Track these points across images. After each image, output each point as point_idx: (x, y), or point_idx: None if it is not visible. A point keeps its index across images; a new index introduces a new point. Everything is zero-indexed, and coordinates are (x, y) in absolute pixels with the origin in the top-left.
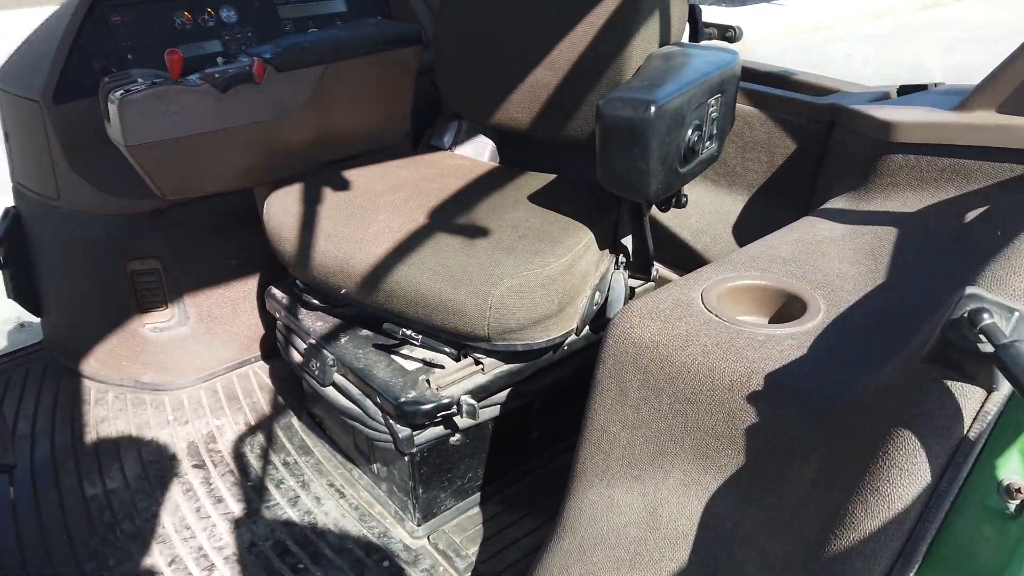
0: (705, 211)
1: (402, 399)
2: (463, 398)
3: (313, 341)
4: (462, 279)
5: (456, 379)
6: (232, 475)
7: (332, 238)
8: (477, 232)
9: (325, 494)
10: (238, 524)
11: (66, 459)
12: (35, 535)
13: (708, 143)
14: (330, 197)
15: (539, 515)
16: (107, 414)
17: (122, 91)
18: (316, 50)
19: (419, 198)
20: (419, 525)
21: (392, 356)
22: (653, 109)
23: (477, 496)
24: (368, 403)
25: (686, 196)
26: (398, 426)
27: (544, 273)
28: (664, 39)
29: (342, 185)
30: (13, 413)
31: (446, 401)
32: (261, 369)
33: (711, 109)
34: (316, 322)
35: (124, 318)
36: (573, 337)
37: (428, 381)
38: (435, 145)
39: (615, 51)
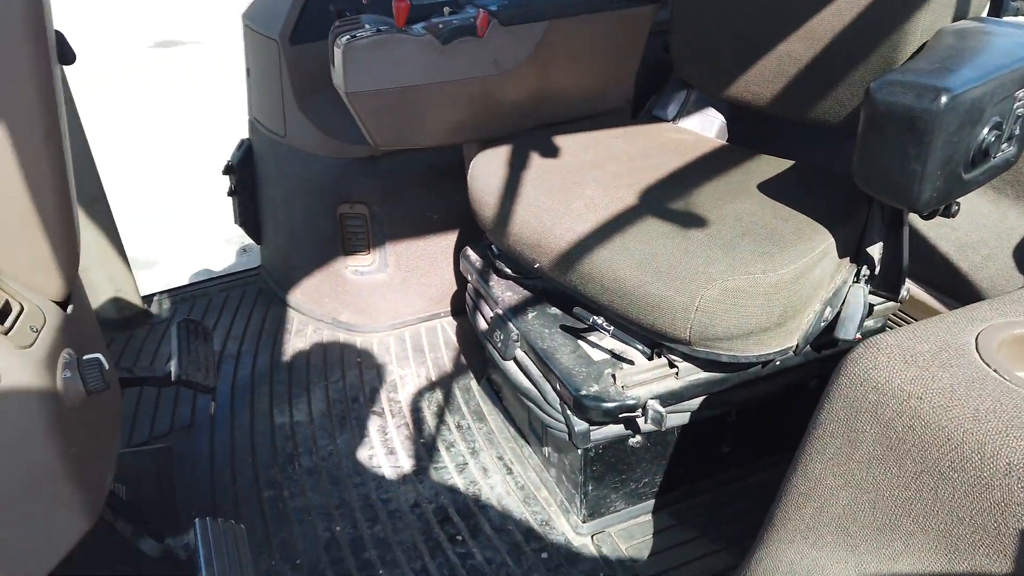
0: (980, 223)
1: (583, 392)
2: (651, 403)
3: (500, 311)
4: (669, 274)
5: (645, 380)
6: (407, 428)
7: (532, 208)
8: (693, 221)
9: (493, 467)
10: (405, 480)
11: (262, 384)
12: (226, 453)
13: (1005, 145)
14: (537, 163)
15: (716, 539)
16: (304, 346)
17: (348, 36)
18: (544, 4)
19: (632, 174)
20: (584, 521)
21: (579, 342)
22: (944, 99)
23: (651, 503)
24: (547, 387)
25: (958, 204)
26: (575, 418)
27: (767, 280)
28: (960, 12)
29: (552, 151)
30: (226, 331)
31: (631, 402)
32: (449, 325)
33: (1017, 104)
34: (506, 291)
35: (330, 257)
36: (791, 355)
37: (614, 376)
38: (657, 115)
39: (894, 23)
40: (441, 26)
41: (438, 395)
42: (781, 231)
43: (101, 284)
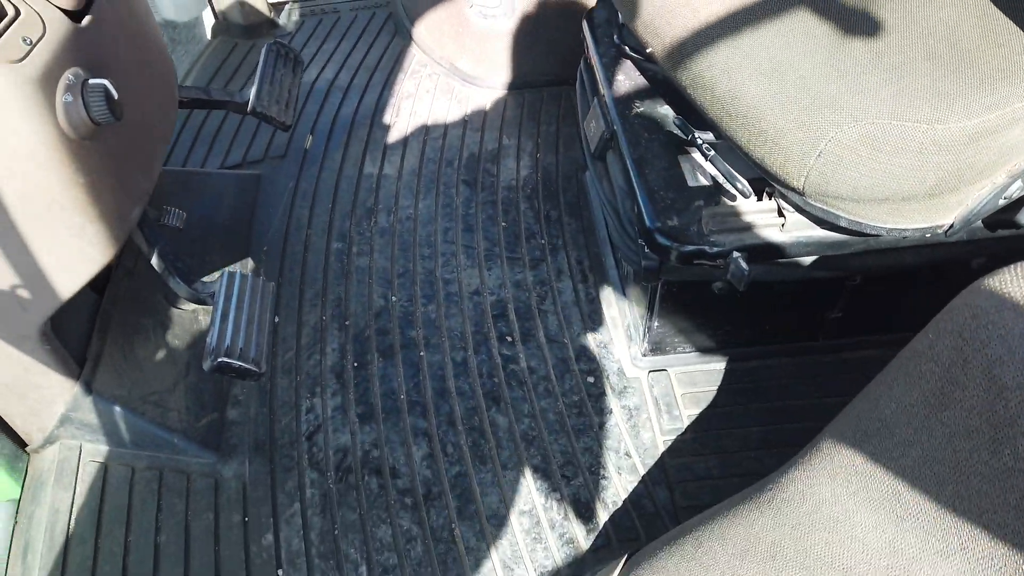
0: None
1: (658, 225)
2: (735, 255)
3: (602, 96)
4: (796, 98)
5: (740, 225)
6: (492, 207)
7: None
8: (861, 25)
9: (568, 269)
10: (474, 263)
11: (362, 125)
12: (309, 193)
13: None
14: None
15: (789, 411)
16: (415, 90)
17: None
18: None
19: None
20: (644, 355)
21: (680, 156)
22: None
23: (726, 353)
24: (628, 203)
25: None
26: (647, 249)
27: (929, 133)
28: None
29: None
30: (343, 58)
31: (713, 250)
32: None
33: None
34: (618, 73)
35: None
36: (939, 233)
37: (703, 211)
38: None
39: None
40: None
41: (537, 176)
42: (983, 60)
43: None
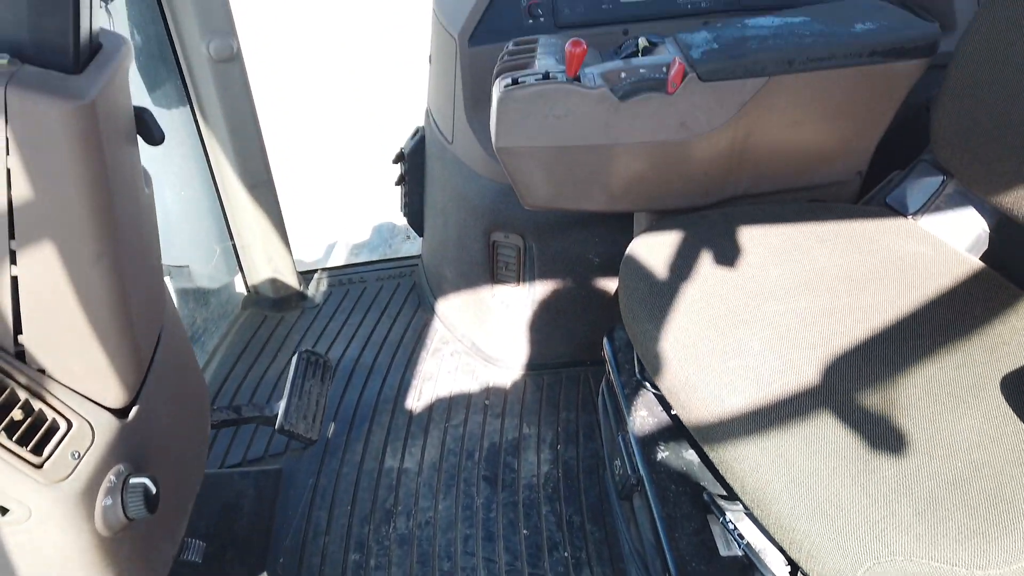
0: None
1: None
2: None
3: (627, 434)
4: (831, 517)
5: None
6: (513, 510)
7: (679, 344)
8: (882, 437)
9: None
10: None
11: (385, 410)
12: (328, 492)
13: None
14: (706, 269)
15: None
16: (436, 371)
17: (509, 81)
18: (766, 56)
19: (826, 320)
20: None
21: (708, 516)
22: None
23: None
24: (657, 561)
25: None
26: None
27: None
28: None
29: (731, 251)
30: (369, 332)
31: None
32: (594, 376)
33: None
34: (642, 408)
35: (478, 281)
36: None
37: None
38: (891, 204)
39: None
40: (623, 75)
41: (558, 472)
42: (1010, 490)
43: (260, 263)
